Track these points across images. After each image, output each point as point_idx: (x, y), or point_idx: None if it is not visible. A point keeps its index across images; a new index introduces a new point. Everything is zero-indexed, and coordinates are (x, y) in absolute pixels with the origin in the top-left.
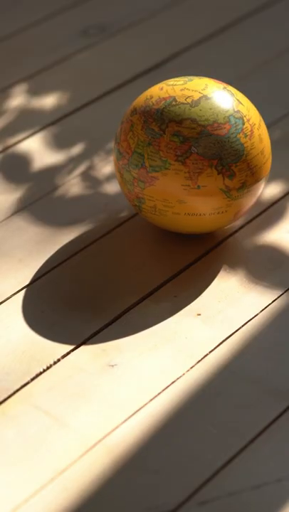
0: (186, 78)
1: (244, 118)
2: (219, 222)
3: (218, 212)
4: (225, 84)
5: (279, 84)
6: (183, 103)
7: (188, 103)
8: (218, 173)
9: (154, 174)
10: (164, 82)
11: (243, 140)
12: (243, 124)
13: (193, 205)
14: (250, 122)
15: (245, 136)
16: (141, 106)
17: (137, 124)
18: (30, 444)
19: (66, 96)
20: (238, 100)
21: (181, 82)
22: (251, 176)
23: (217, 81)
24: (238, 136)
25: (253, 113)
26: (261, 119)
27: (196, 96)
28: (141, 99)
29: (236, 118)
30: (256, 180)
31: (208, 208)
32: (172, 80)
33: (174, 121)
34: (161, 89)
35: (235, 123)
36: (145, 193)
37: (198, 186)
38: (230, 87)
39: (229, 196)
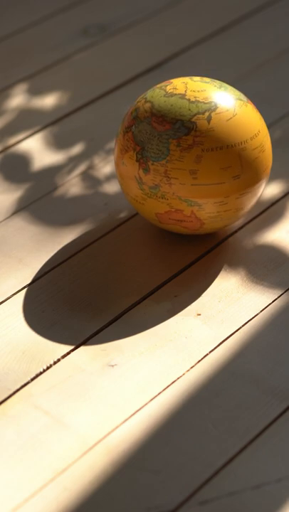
0: (207, 79)
1: (193, 131)
2: (142, 212)
3: (136, 201)
4: (238, 101)
5: (279, 84)
6: (164, 90)
7: (166, 92)
8: (136, 161)
9: (116, 138)
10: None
11: (172, 147)
12: (186, 134)
13: (121, 179)
14: (198, 140)
15: (178, 145)
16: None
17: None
18: (30, 444)
19: (66, 96)
20: (209, 117)
21: (198, 79)
22: (168, 186)
23: (234, 96)
24: (169, 140)
25: (218, 140)
26: (243, 149)
27: (179, 91)
28: None
29: (184, 126)
30: (177, 196)
31: (129, 190)
32: (205, 78)
33: (144, 99)
34: (181, 76)
35: (178, 128)
36: None
37: (123, 163)
38: (244, 109)
39: (142, 189)
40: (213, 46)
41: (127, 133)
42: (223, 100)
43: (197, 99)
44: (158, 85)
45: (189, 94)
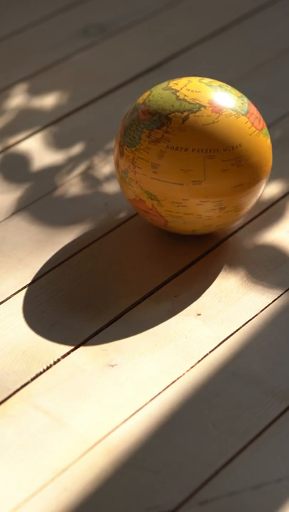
0: (217, 83)
1: (165, 126)
2: (124, 192)
3: (119, 182)
4: (229, 111)
5: (279, 84)
6: (167, 83)
7: (166, 86)
8: (118, 145)
9: None
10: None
11: (143, 136)
12: (158, 128)
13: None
14: (167, 136)
15: (148, 136)
16: None
17: None
18: (30, 444)
19: (66, 96)
20: (186, 117)
21: (207, 81)
22: (133, 174)
23: (229, 106)
24: (143, 130)
25: (185, 141)
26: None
27: (176, 87)
28: None
29: (159, 120)
30: (139, 185)
31: (116, 170)
32: (215, 81)
33: (150, 89)
34: (183, 76)
35: (154, 121)
36: None
37: (114, 145)
38: (231, 119)
39: (118, 172)
40: (213, 46)
41: (124, 118)
42: (212, 106)
43: (185, 98)
44: (172, 79)
45: (181, 92)
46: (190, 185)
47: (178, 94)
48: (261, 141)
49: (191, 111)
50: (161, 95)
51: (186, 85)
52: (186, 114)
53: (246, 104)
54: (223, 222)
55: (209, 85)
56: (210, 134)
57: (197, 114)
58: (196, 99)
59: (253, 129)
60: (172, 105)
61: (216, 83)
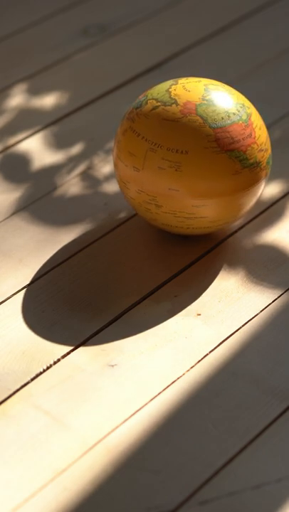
0: (221, 89)
1: (139, 109)
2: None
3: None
4: (197, 118)
5: (279, 84)
6: (181, 78)
7: (176, 78)
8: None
9: None
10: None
11: (126, 113)
12: (136, 108)
13: None
14: (135, 117)
15: (128, 114)
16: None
17: None
18: (30, 444)
19: (66, 96)
20: (156, 107)
21: (213, 87)
22: (114, 144)
23: (207, 115)
24: (130, 108)
25: (141, 127)
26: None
27: (180, 81)
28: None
29: (142, 102)
30: (112, 155)
31: None
32: (221, 85)
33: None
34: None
35: (139, 101)
36: None
37: None
38: (195, 126)
39: None
40: (213, 46)
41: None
42: (185, 107)
43: (172, 93)
44: (192, 76)
45: (176, 87)
46: (131, 170)
47: (172, 87)
48: (220, 161)
49: (165, 104)
50: (164, 84)
51: (187, 83)
52: (158, 104)
53: (228, 121)
54: (164, 222)
55: (207, 90)
56: (162, 129)
57: (167, 108)
58: (177, 96)
59: (214, 144)
60: (158, 93)
61: (218, 90)
